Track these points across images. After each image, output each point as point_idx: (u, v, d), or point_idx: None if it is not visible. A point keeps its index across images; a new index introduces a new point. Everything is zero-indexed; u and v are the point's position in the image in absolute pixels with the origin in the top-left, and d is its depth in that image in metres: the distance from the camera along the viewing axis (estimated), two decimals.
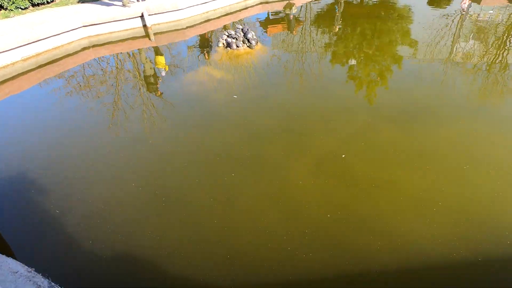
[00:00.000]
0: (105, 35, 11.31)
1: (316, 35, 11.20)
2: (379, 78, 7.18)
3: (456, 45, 9.42)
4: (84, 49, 10.72)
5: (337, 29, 11.73)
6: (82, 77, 8.69)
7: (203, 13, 13.06)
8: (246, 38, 9.21)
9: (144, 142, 5.39)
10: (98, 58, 10.31)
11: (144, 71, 9.11)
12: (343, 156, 4.73)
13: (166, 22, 12.18)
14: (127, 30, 11.59)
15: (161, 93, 7.51)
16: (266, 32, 11.94)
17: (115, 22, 11.16)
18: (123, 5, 11.31)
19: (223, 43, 9.38)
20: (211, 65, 8.42)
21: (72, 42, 10.56)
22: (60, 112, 6.63)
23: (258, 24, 13.09)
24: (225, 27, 11.80)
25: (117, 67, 9.38)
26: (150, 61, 9.79)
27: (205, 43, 10.82)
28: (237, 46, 9.07)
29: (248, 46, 9.16)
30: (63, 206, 4.19)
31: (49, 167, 4.93)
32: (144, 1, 11.84)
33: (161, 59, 10.27)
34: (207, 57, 9.45)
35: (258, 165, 4.70)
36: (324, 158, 4.74)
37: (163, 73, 9.07)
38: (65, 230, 3.86)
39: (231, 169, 4.65)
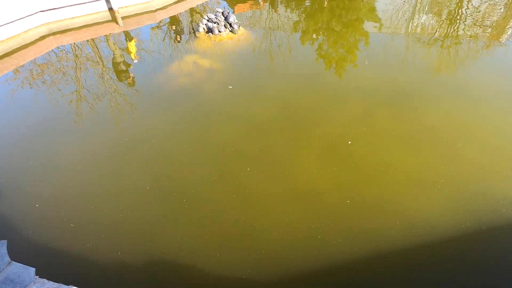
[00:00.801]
0: (66, 21, 10.22)
1: (293, 12, 11.11)
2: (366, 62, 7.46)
3: (414, 18, 10.20)
4: (43, 37, 9.64)
5: (325, 3, 11.77)
6: (45, 71, 7.87)
7: None
8: (228, 23, 8.90)
9: (146, 142, 5.17)
10: (62, 47, 9.37)
11: (113, 59, 8.51)
12: (349, 142, 4.98)
13: (135, 5, 11.26)
14: (91, 14, 10.56)
15: (133, 78, 7.17)
16: (233, 9, 11.68)
17: (77, 6, 10.09)
18: None
19: (204, 28, 8.98)
20: (196, 54, 8.08)
21: (30, 30, 9.40)
22: (24, 108, 6.05)
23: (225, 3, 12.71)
24: (191, 11, 11.30)
25: (86, 57, 8.59)
26: (118, 47, 9.12)
27: (176, 27, 10.33)
28: (219, 31, 8.75)
29: (230, 31, 8.87)
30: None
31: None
32: None
33: (131, 46, 9.62)
34: (178, 39, 9.16)
35: (269, 158, 4.77)
36: (330, 144, 4.95)
37: (135, 61, 8.58)
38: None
39: (244, 163, 4.68)
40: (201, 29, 8.97)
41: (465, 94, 6.10)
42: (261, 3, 12.50)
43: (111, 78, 7.39)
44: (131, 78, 7.30)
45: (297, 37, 9.17)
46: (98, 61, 8.47)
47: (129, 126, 5.57)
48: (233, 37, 8.74)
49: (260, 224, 3.87)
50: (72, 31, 10.17)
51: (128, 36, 10.10)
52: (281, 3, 12.45)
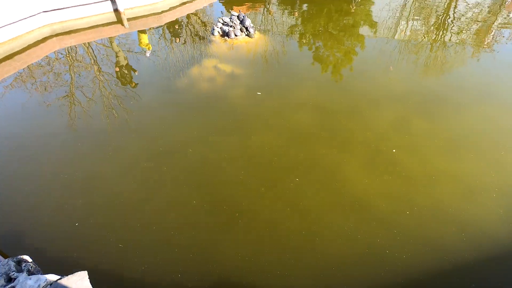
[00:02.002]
0: (70, 22, 9.74)
1: (308, 16, 11.07)
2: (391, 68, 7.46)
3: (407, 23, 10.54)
4: (46, 39, 9.12)
5: (353, 8, 11.87)
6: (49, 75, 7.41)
7: None
8: (244, 26, 8.71)
9: (182, 151, 4.90)
10: (66, 49, 8.89)
11: (117, 62, 8.17)
12: (394, 151, 4.90)
13: (141, 6, 10.90)
14: (96, 15, 10.12)
15: (136, 84, 6.94)
16: (229, 12, 11.64)
17: (81, 7, 9.64)
18: None
19: (219, 32, 8.76)
20: (215, 58, 7.84)
21: (32, 31, 8.87)
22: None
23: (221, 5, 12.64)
24: (188, 17, 11.07)
25: (92, 60, 8.16)
26: (122, 50, 8.80)
27: (175, 28, 10.10)
28: (235, 35, 8.55)
29: (246, 35, 8.69)
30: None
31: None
32: None
33: (144, 38, 9.34)
34: (177, 40, 9.09)
35: (315, 167, 4.63)
36: (375, 152, 4.86)
37: (148, 54, 8.34)
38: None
39: (291, 173, 4.51)
40: (216, 33, 8.74)
41: (494, 99, 6.18)
42: (272, 11, 12.40)
43: (133, 91, 7.02)
44: (134, 84, 7.00)
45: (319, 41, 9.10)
46: (110, 66, 8.05)
47: (159, 135, 5.28)
48: (250, 41, 8.56)
49: (322, 238, 3.70)
50: (76, 33, 9.70)
51: (141, 30, 9.85)
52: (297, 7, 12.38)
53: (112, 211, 4.00)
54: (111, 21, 10.38)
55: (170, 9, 11.50)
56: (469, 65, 7.78)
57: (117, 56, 8.55)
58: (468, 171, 4.55)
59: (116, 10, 10.35)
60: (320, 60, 7.94)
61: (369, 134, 5.27)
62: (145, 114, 5.81)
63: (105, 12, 10.22)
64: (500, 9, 11.91)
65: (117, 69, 7.81)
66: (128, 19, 10.54)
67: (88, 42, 9.15)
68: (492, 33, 9.79)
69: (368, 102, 6.07)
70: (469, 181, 4.40)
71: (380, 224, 3.84)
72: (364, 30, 10.11)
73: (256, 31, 8.95)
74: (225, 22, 8.87)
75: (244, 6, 12.71)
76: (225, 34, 8.59)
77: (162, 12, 11.24)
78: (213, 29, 8.79)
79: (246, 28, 8.69)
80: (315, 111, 5.85)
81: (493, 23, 10.53)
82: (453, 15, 11.33)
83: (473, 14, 11.52)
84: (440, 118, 5.66)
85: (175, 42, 9.29)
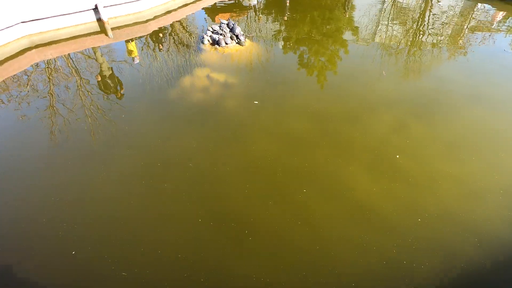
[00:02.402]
0: (50, 33, 9.31)
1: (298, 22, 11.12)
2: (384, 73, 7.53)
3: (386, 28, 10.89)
4: (25, 50, 8.64)
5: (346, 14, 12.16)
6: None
7: (164, 3, 11.74)
8: (234, 34, 8.60)
9: (181, 165, 4.67)
10: (45, 61, 8.44)
11: (100, 72, 7.85)
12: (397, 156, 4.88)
13: (125, 15, 10.59)
14: (78, 25, 9.73)
15: (122, 95, 6.72)
16: (213, 20, 11.58)
17: (62, 17, 9.24)
18: None
19: (209, 40, 8.60)
20: (207, 67, 7.66)
21: (9, 43, 8.38)
22: None
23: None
24: (173, 25, 10.87)
25: (73, 72, 7.77)
26: (106, 60, 8.51)
27: (159, 37, 9.91)
28: (226, 43, 8.42)
29: (237, 43, 8.58)
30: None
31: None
32: None
33: (133, 46, 9.06)
34: (161, 48, 8.96)
35: (320, 176, 4.51)
36: (377, 158, 4.81)
37: (136, 61, 8.09)
38: None
39: (298, 184, 4.38)
40: (205, 41, 8.57)
41: (485, 100, 6.34)
42: (260, 17, 12.38)
43: (122, 103, 6.71)
44: (120, 95, 6.76)
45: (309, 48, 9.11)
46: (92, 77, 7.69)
47: (156, 149, 5.02)
48: (241, 49, 8.45)
49: (337, 253, 3.57)
50: (57, 43, 9.26)
51: (127, 40, 9.54)
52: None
53: (111, 236, 3.71)
54: (94, 31, 10.00)
55: (155, 17, 11.25)
56: (458, 67, 7.98)
57: (101, 67, 8.21)
58: (471, 173, 4.58)
59: (99, 20, 9.99)
60: (313, 67, 7.93)
61: (370, 139, 5.24)
62: (138, 127, 5.53)
63: (88, 21, 9.85)
64: (470, 14, 12.45)
65: (99, 78, 7.49)
66: (113, 29, 10.20)
67: (69, 54, 8.73)
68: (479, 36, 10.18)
69: (364, 107, 6.07)
70: (473, 183, 4.42)
71: (394, 234, 3.75)
72: (350, 36, 10.25)
73: (246, 39, 8.85)
74: (215, 30, 8.73)
75: (227, 14, 12.64)
76: (215, 42, 8.44)
77: (148, 20, 10.98)
78: (203, 38, 8.63)
79: (237, 36, 8.58)
80: (313, 118, 5.77)
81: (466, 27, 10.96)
82: (429, 21, 11.73)
83: (448, 18, 11.99)
84: (436, 121, 5.72)
85: (159, 50, 9.10)
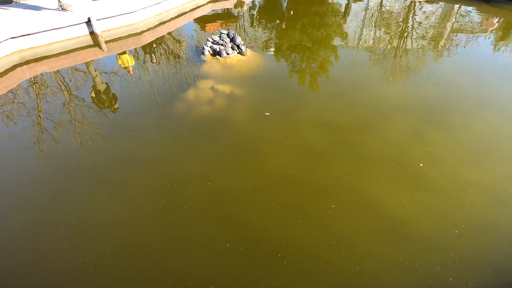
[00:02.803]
0: (41, 48, 8.90)
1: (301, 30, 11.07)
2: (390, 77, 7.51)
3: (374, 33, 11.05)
4: (15, 67, 8.20)
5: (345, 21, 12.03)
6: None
7: (157, 14, 11.53)
8: (235, 44, 8.44)
9: (198, 185, 4.40)
10: (34, 77, 8.02)
11: (94, 86, 7.53)
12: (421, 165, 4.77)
13: (118, 28, 10.29)
14: (70, 39, 9.35)
15: (116, 108, 6.49)
16: (203, 29, 11.43)
17: (53, 31, 8.86)
18: (63, 9, 9.03)
19: (209, 51, 8.40)
20: (211, 78, 7.44)
21: None
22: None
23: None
24: (164, 36, 10.61)
25: (63, 87, 7.40)
26: (99, 75, 8.20)
27: (152, 48, 9.71)
28: (227, 54, 8.24)
29: (238, 53, 8.41)
30: None
31: None
32: (93, 1, 9.74)
33: (127, 57, 8.77)
34: (154, 60, 8.77)
35: (346, 190, 4.34)
36: (401, 168, 4.69)
37: (131, 73, 7.85)
38: None
39: (325, 200, 4.18)
40: (206, 52, 8.37)
41: (497, 104, 6.37)
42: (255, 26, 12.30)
43: (121, 120, 6.39)
44: (115, 108, 6.51)
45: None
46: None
47: (169, 168, 4.73)
48: (243, 59, 8.28)
49: (379, 273, 3.37)
50: (49, 59, 8.87)
51: (120, 52, 9.22)
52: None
53: (129, 271, 3.38)
54: (87, 44, 9.65)
55: (149, 29, 10.99)
56: (464, 71, 8.06)
57: (94, 81, 7.87)
58: (499, 180, 4.51)
59: (92, 33, 9.65)
60: (319, 75, 7.84)
61: (388, 148, 5.12)
62: (147, 145, 5.23)
63: (80, 35, 9.50)
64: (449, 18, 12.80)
65: (93, 94, 7.16)
66: (106, 42, 9.87)
67: (59, 69, 8.35)
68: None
69: (375, 115, 5.97)
70: (504, 191, 4.34)
71: (433, 249, 3.59)
72: (338, 43, 10.27)
73: (247, 49, 8.70)
74: (215, 40, 8.55)
75: (217, 23, 12.50)
76: (216, 53, 8.25)
77: (142, 32, 10.70)
78: (203, 48, 8.42)
79: (238, 46, 8.41)
80: (326, 128, 5.62)
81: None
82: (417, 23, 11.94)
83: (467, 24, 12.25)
84: (452, 126, 5.67)
85: (151, 62, 8.86)
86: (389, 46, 9.93)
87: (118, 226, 3.84)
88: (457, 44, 9.95)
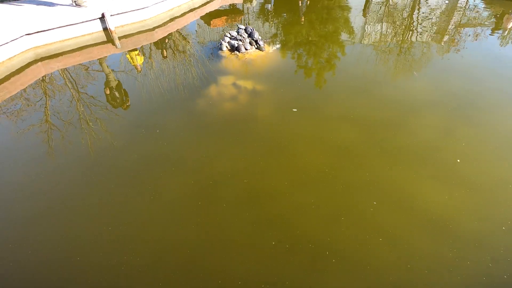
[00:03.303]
0: (56, 44, 8.79)
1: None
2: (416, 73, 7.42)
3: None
4: (30, 64, 8.09)
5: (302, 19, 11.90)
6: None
7: (168, 10, 11.38)
8: (253, 40, 8.33)
9: (235, 182, 4.33)
10: (51, 74, 7.93)
11: (107, 83, 7.45)
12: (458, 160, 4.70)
13: (131, 24, 10.17)
14: (84, 36, 9.23)
15: (128, 106, 6.41)
16: (208, 25, 11.29)
17: (67, 27, 8.73)
18: (77, 5, 8.89)
19: (227, 46, 8.29)
20: (231, 74, 7.34)
21: (14, 56, 7.82)
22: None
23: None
24: (169, 35, 10.40)
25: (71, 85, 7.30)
26: (112, 71, 8.10)
27: (161, 43, 9.63)
28: (246, 49, 8.13)
29: (257, 48, 8.30)
30: None
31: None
32: None
33: (136, 54, 8.67)
34: (165, 54, 8.72)
35: (386, 187, 4.27)
36: (439, 163, 4.63)
37: (139, 68, 7.82)
38: None
39: (368, 198, 4.11)
40: (224, 48, 8.26)
41: None
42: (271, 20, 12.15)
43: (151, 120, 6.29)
44: (127, 106, 6.43)
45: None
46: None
47: (203, 166, 4.65)
48: (262, 55, 8.18)
49: (431, 270, 3.31)
50: (63, 55, 8.75)
51: (130, 50, 9.10)
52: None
53: (176, 271, 3.33)
54: (100, 41, 9.52)
55: (161, 25, 10.86)
56: (487, 66, 7.97)
57: (107, 78, 7.77)
58: None
59: (105, 29, 9.52)
60: (339, 71, 7.74)
61: (422, 144, 5.05)
62: (176, 143, 5.15)
63: (94, 31, 9.37)
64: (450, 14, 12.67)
65: (108, 91, 7.08)
66: (119, 38, 9.75)
67: (75, 65, 8.23)
68: None
69: (404, 111, 5.90)
70: None
71: (482, 245, 3.54)
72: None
73: (265, 44, 8.59)
74: (233, 36, 8.43)
75: (223, 18, 12.34)
76: (234, 48, 8.13)
77: (154, 28, 10.57)
78: (221, 44, 8.30)
79: (256, 41, 8.30)
80: (356, 124, 5.55)
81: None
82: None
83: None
84: (483, 122, 5.61)
85: (163, 57, 8.76)
86: (411, 40, 9.82)
87: (160, 226, 3.77)
88: (476, 39, 9.85)
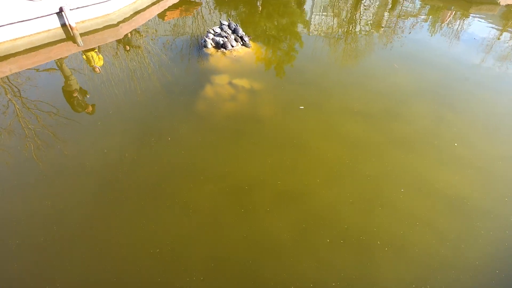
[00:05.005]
0: (6, 44, 7.47)
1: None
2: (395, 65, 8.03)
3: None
4: None
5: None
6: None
7: (132, 3, 10.47)
8: (238, 36, 8.15)
9: (271, 186, 4.30)
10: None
11: (67, 86, 6.79)
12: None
13: (94, 18, 9.13)
14: (39, 33, 8.02)
15: (93, 105, 6.05)
16: (162, 19, 10.90)
17: (19, 24, 7.50)
18: None
19: (211, 44, 7.98)
20: (224, 73, 7.11)
21: None
22: None
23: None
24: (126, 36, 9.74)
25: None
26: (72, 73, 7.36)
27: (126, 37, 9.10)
28: (232, 46, 7.93)
29: (243, 45, 8.16)
30: None
31: None
32: None
33: (94, 54, 7.88)
34: (127, 48, 8.35)
35: (408, 175, 4.66)
36: (437, 149, 5.20)
37: (97, 71, 7.23)
38: None
39: (394, 190, 4.45)
40: (209, 45, 7.94)
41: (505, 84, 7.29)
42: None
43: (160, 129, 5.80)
44: (91, 107, 6.00)
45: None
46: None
47: (229, 170, 4.51)
48: (249, 52, 8.06)
49: (472, 249, 3.76)
50: (16, 57, 7.54)
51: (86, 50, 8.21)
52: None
53: (235, 282, 3.24)
54: (59, 38, 8.38)
55: (126, 19, 9.94)
56: (461, 55, 8.99)
57: (68, 80, 7.00)
58: None
59: (64, 25, 8.38)
60: (337, 61, 8.03)
61: (421, 132, 5.58)
62: (189, 150, 4.87)
63: (51, 28, 8.19)
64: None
65: (75, 93, 6.41)
66: (81, 35, 8.68)
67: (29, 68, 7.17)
68: None
69: (396, 102, 6.41)
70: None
71: (496, 216, 4.12)
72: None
73: (249, 40, 8.48)
74: (217, 32, 8.14)
75: (177, 10, 11.83)
76: (219, 45, 7.87)
77: (119, 23, 9.63)
78: (205, 41, 7.96)
79: (241, 38, 8.14)
80: (359, 117, 5.87)
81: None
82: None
83: None
84: (464, 107, 6.35)
85: (126, 50, 8.19)
86: (389, 35, 10.56)
87: (209, 240, 3.59)
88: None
